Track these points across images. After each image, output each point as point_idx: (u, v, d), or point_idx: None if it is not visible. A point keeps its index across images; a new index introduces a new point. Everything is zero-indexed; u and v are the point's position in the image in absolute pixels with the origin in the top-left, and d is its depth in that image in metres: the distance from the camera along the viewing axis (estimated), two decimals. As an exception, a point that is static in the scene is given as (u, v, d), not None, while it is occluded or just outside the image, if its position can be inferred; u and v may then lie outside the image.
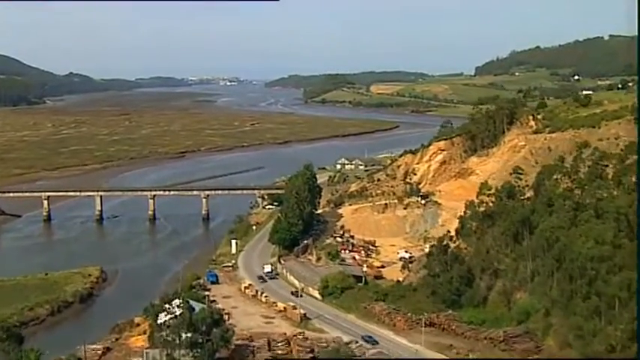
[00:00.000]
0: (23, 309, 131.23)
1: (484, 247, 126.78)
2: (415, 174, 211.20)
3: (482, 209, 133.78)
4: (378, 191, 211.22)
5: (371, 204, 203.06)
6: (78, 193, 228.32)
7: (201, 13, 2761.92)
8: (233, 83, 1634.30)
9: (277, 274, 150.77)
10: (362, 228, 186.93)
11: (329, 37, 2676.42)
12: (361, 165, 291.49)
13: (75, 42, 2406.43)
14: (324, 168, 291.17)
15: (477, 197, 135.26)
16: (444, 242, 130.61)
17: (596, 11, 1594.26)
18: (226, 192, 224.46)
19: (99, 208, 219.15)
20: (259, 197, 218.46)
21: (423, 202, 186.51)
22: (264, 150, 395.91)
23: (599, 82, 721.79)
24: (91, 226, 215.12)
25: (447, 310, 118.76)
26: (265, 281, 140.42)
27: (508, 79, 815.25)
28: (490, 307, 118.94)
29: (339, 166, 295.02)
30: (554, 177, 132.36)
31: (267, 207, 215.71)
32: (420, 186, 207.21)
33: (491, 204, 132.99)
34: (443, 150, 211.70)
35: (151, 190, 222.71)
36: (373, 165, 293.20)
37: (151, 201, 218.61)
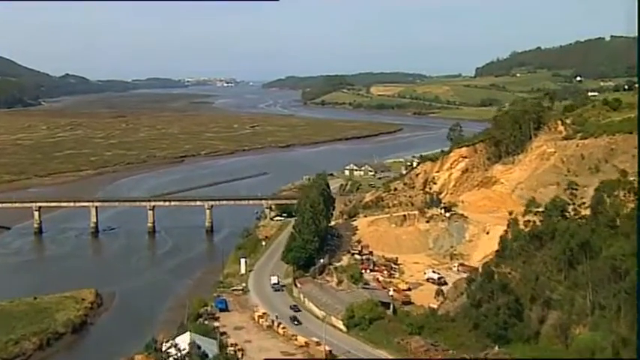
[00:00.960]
0: (7, 343, 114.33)
1: (532, 273, 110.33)
2: (435, 183, 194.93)
3: (527, 228, 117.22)
4: (395, 202, 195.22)
5: (388, 215, 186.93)
6: (72, 204, 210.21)
7: (197, 15, 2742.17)
8: (230, 84, 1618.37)
9: (284, 287, 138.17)
10: (380, 243, 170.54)
11: (326, 39, 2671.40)
12: (371, 171, 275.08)
13: (71, 43, 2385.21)
14: (331, 174, 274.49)
15: (524, 215, 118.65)
16: (489, 267, 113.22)
17: (597, 12, 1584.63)
18: (232, 202, 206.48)
19: (94, 220, 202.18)
20: (267, 208, 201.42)
21: (447, 214, 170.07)
22: (266, 154, 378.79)
23: (602, 84, 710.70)
24: (85, 240, 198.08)
25: (493, 345, 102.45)
26: (300, 323, 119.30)
27: (509, 80, 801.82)
28: (543, 344, 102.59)
29: (347, 172, 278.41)
30: (615, 193, 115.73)
31: (275, 218, 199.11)
32: (441, 196, 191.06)
33: (539, 222, 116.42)
34: (465, 157, 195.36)
35: (150, 201, 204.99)
36: (383, 171, 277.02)
37: (150, 212, 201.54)
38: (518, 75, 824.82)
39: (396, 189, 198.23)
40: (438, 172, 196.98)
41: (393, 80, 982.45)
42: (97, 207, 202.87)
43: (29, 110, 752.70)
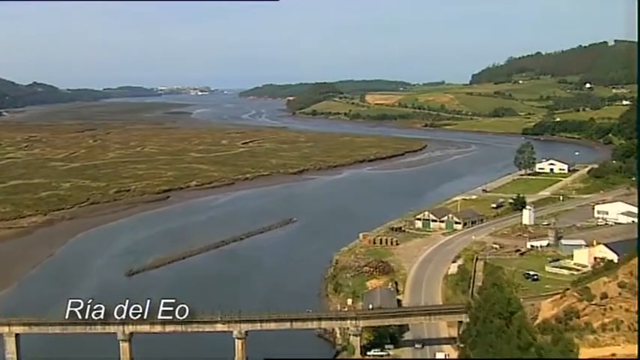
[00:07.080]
0: None
1: None
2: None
3: None
4: (607, 320, 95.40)
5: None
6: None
7: (169, 21, 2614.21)
8: (204, 93, 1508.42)
9: None
10: None
11: (302, 46, 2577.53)
12: (458, 222, 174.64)
13: (39, 50, 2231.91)
14: (399, 229, 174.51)
15: None
16: None
17: (597, 16, 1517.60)
18: (287, 324, 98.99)
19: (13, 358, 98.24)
20: (355, 335, 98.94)
21: None
22: (277, 185, 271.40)
23: (615, 91, 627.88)
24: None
25: None
26: None
27: (512, 87, 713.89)
28: None
29: (418, 223, 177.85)
30: None
31: (370, 353, 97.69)
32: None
33: None
34: None
35: (124, 324, 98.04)
36: (474, 221, 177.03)
37: (124, 345, 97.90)
38: (520, 82, 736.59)
39: (605, 295, 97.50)
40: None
41: (376, 88, 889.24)
42: (17, 335, 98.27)
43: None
